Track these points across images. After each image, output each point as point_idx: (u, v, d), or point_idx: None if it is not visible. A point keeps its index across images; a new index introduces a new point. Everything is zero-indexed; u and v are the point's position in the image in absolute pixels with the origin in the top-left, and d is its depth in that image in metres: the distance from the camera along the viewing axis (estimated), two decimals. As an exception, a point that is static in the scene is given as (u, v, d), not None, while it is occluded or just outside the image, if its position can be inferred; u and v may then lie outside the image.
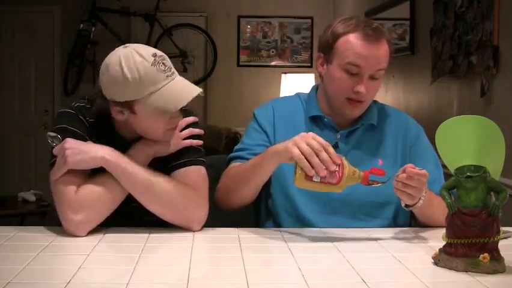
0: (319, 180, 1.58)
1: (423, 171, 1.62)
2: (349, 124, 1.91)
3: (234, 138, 5.99)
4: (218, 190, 1.87)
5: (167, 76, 1.63)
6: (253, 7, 6.87)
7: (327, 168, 1.56)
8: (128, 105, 1.64)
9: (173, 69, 1.67)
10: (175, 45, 6.32)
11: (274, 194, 1.90)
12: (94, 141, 1.71)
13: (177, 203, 1.67)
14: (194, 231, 1.69)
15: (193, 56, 6.49)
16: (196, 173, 1.74)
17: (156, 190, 1.66)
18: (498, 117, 1.62)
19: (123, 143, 1.74)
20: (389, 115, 1.97)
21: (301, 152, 1.57)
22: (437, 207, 1.70)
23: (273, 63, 6.92)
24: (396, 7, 4.77)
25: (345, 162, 1.60)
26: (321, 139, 1.60)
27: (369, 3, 5.43)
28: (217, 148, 5.48)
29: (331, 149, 1.59)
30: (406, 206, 1.70)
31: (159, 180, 1.67)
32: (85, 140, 1.69)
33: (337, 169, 1.58)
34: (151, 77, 1.61)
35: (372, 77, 1.81)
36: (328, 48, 1.85)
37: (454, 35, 3.59)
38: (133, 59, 1.60)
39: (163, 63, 1.63)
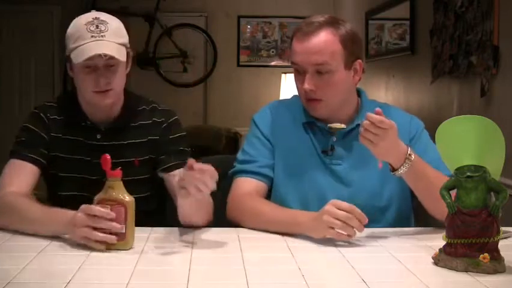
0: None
1: (387, 120, 1.61)
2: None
3: (234, 138, 6.00)
4: (229, 210, 1.83)
5: (92, 36, 1.70)
6: (253, 7, 6.86)
7: None
8: (70, 63, 1.76)
9: (104, 34, 1.71)
10: (175, 45, 6.32)
11: (271, 201, 1.89)
12: (57, 135, 1.81)
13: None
14: (196, 229, 1.71)
15: (193, 56, 6.48)
16: None
17: None
18: (498, 117, 1.63)
19: (95, 130, 1.82)
20: (388, 114, 1.92)
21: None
22: (433, 179, 1.66)
23: (273, 63, 6.92)
24: (396, 7, 4.76)
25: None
26: (343, 205, 1.57)
27: (369, 3, 5.43)
28: (217, 148, 5.48)
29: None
30: (393, 170, 1.67)
31: None
32: (41, 137, 1.80)
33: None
34: (78, 34, 1.72)
35: (318, 72, 1.79)
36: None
37: (454, 35, 3.59)
38: (77, 18, 1.75)
39: (97, 25, 1.72)
